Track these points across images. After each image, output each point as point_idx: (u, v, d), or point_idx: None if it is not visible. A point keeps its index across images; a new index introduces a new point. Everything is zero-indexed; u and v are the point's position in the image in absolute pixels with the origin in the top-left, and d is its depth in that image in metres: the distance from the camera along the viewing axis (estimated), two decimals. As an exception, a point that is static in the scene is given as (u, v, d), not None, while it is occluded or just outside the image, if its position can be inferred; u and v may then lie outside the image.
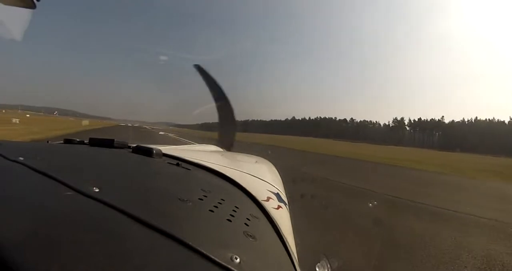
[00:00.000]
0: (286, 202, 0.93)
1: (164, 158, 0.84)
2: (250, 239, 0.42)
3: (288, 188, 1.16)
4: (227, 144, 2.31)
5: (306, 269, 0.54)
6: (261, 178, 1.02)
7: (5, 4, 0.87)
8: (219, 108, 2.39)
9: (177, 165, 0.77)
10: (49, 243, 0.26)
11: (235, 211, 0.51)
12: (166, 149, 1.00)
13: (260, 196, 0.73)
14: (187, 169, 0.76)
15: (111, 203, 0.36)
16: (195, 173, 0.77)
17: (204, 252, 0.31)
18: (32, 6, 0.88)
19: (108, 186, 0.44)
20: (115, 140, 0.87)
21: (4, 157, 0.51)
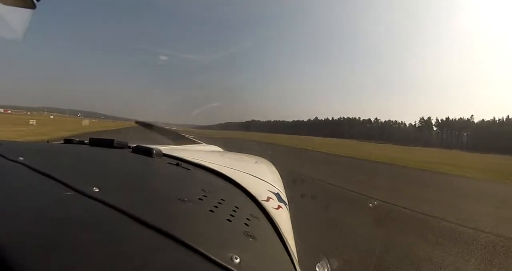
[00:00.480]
0: (286, 202, 0.93)
1: (164, 158, 0.84)
2: (250, 239, 0.42)
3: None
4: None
5: (306, 269, 0.54)
6: (261, 178, 1.02)
7: (5, 4, 0.87)
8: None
9: (177, 165, 0.77)
10: (49, 243, 0.26)
11: (235, 211, 0.51)
12: (166, 149, 1.00)
13: (260, 196, 0.73)
14: (187, 169, 0.76)
15: (111, 203, 0.36)
16: (195, 173, 0.77)
17: (204, 252, 0.31)
18: (32, 6, 0.88)
19: (108, 186, 0.44)
20: (115, 140, 0.87)
21: (4, 157, 0.51)
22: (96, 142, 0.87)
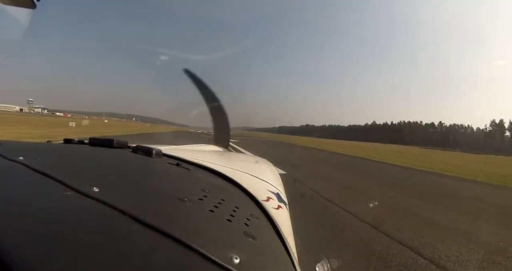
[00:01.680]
0: (286, 202, 0.93)
1: (164, 158, 0.84)
2: (250, 239, 0.42)
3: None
4: (224, 144, 2.36)
5: (306, 269, 0.54)
6: (261, 178, 1.02)
7: (5, 4, 0.87)
8: (212, 111, 2.45)
9: (177, 165, 0.77)
10: (49, 243, 0.26)
11: (235, 211, 0.51)
12: (166, 149, 1.00)
13: (260, 196, 0.73)
14: (187, 169, 0.76)
15: (111, 203, 0.36)
16: (195, 173, 0.77)
17: (204, 252, 0.31)
18: (32, 6, 0.88)
19: (108, 186, 0.44)
20: (115, 139, 0.87)
21: (4, 157, 0.51)
22: (96, 142, 0.87)
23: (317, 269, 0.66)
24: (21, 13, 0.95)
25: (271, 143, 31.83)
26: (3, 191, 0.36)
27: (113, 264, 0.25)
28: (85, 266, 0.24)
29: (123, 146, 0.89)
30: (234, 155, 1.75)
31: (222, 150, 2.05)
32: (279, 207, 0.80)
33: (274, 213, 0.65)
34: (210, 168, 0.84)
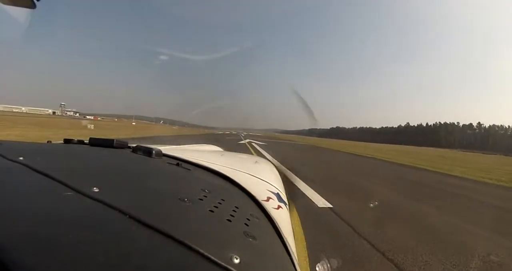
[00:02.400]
0: (286, 202, 0.93)
1: (164, 158, 0.84)
2: (250, 239, 0.42)
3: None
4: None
5: (306, 269, 0.54)
6: (261, 178, 1.02)
7: (5, 4, 0.87)
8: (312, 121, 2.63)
9: (177, 165, 0.77)
10: (49, 243, 0.26)
11: (235, 211, 0.51)
12: (166, 149, 1.00)
13: (260, 196, 0.73)
14: (187, 169, 0.76)
15: (111, 203, 0.36)
16: (195, 173, 0.77)
17: (204, 252, 0.31)
18: (32, 6, 0.88)
19: (108, 186, 0.44)
20: (115, 139, 0.87)
21: (4, 157, 0.51)
22: (96, 142, 0.87)
23: (317, 269, 0.66)
24: (21, 13, 0.95)
25: (305, 148, 25.93)
26: (3, 191, 0.36)
27: (113, 264, 0.25)
28: (85, 266, 0.24)
29: (123, 146, 0.89)
30: (234, 155, 1.75)
31: (222, 150, 2.05)
32: (279, 207, 0.80)
33: (274, 213, 0.65)
34: (210, 168, 0.84)
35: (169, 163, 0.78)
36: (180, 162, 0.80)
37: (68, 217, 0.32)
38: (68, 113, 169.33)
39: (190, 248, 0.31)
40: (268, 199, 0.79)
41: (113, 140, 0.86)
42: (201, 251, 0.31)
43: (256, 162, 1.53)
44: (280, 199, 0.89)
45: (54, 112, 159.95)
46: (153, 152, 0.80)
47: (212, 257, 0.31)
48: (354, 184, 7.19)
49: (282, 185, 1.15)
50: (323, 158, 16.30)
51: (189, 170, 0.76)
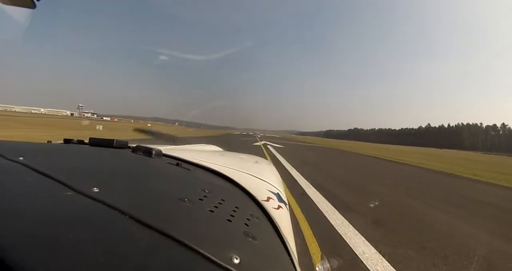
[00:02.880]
0: (286, 202, 0.93)
1: (164, 158, 0.84)
2: (250, 239, 0.42)
3: None
4: None
5: (306, 269, 0.54)
6: (261, 178, 1.02)
7: (5, 4, 0.87)
8: None
9: (177, 165, 0.77)
10: (49, 243, 0.26)
11: (235, 211, 0.51)
12: (166, 149, 1.00)
13: (260, 196, 0.73)
14: (187, 169, 0.76)
15: (111, 203, 0.36)
16: (195, 173, 0.77)
17: (204, 252, 0.31)
18: (32, 6, 0.88)
19: (108, 186, 0.44)
20: (115, 139, 0.87)
21: (4, 157, 0.51)
22: (96, 142, 0.87)
23: (317, 269, 0.66)
24: (21, 13, 0.95)
25: (323, 152, 22.34)
26: (3, 191, 0.36)
27: (113, 264, 0.25)
28: (85, 266, 0.24)
29: (123, 146, 0.89)
30: (234, 155, 1.75)
31: (222, 150, 2.05)
32: (279, 207, 0.80)
33: (274, 213, 0.65)
34: (210, 168, 0.84)
35: (169, 163, 0.78)
36: (180, 162, 0.80)
37: (68, 217, 0.32)
38: (86, 114, 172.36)
39: (190, 248, 0.31)
40: (268, 199, 0.79)
41: (113, 140, 0.86)
42: (201, 251, 0.31)
43: (256, 162, 1.53)
44: (280, 199, 0.89)
45: (72, 114, 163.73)
46: (153, 152, 0.80)
47: (212, 257, 0.31)
48: (413, 213, 4.44)
49: (282, 185, 1.15)
50: (352, 165, 13.15)
51: (189, 170, 0.76)
